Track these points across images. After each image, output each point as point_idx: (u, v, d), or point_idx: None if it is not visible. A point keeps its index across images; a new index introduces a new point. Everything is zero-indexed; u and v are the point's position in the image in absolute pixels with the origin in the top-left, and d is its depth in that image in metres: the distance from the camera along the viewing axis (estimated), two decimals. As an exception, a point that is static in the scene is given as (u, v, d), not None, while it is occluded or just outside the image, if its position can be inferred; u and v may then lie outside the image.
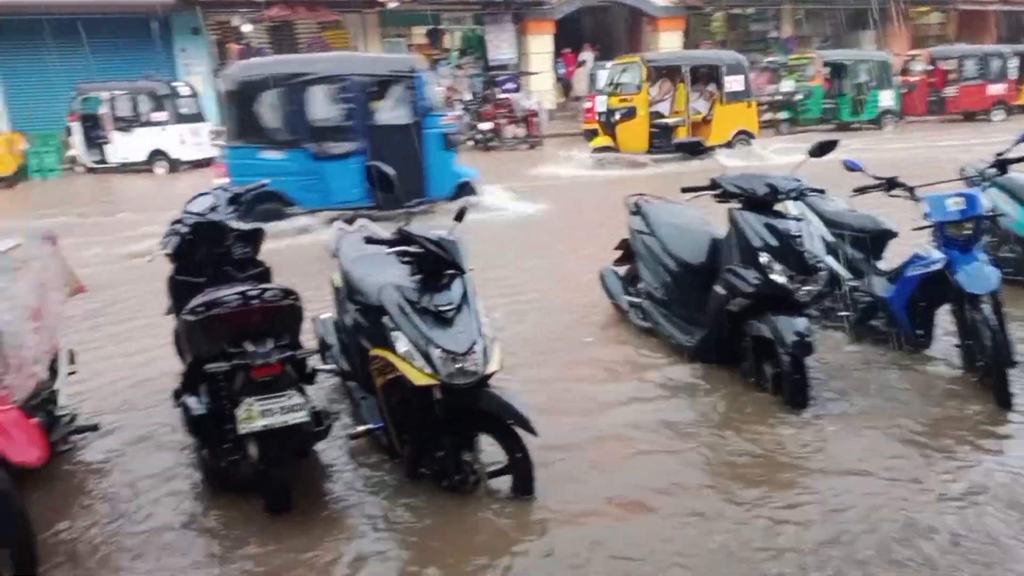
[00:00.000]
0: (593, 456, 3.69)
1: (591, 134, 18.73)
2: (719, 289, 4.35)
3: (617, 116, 14.14)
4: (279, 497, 3.25)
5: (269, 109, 9.16)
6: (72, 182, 15.67)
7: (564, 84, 23.93)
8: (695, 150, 4.54)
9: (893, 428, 3.80)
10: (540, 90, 20.12)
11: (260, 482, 3.25)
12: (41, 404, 3.68)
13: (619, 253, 5.72)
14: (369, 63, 10.85)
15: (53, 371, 3.89)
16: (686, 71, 14.28)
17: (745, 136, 14.39)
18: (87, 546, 3.11)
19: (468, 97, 19.69)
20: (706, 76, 14.68)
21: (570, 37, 23.38)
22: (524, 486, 3.29)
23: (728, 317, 4.34)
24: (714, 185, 4.41)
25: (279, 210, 8.66)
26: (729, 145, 13.87)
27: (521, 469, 3.28)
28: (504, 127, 17.73)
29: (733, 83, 14.24)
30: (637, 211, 5.33)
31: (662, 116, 14.57)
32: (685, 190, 4.53)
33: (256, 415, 3.07)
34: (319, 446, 3.69)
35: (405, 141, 9.17)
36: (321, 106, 9.26)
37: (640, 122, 13.83)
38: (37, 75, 18.62)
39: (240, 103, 9.21)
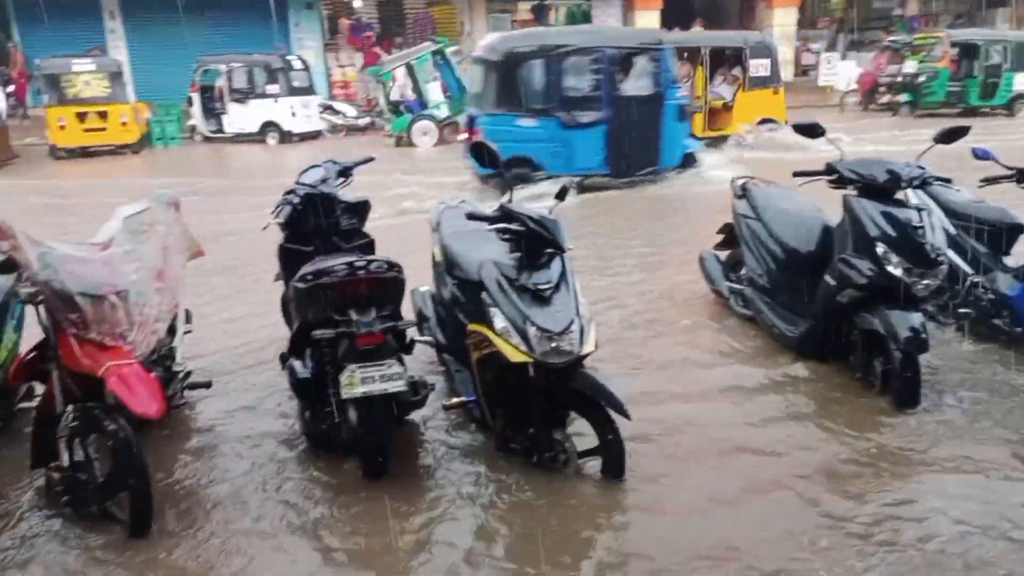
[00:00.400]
0: (686, 444, 3.62)
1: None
2: (829, 279, 4.16)
3: None
4: (375, 462, 3.35)
5: (528, 79, 9.66)
6: (191, 150, 16.51)
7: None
8: (813, 133, 4.33)
9: (1007, 432, 3.57)
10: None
11: (358, 446, 3.36)
12: (160, 360, 3.92)
13: (720, 237, 5.58)
14: (621, 36, 11.27)
15: (172, 330, 4.13)
16: (705, 53, 13.18)
17: (772, 123, 13.23)
18: (196, 495, 3.31)
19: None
20: (732, 59, 13.61)
21: (679, 14, 22.74)
22: (614, 469, 3.27)
23: (837, 309, 4.16)
24: (829, 170, 4.21)
25: (528, 174, 9.13)
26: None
27: (612, 451, 3.26)
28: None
29: (758, 67, 13.20)
30: (743, 194, 5.15)
31: None
32: (797, 174, 4.34)
33: (357, 381, 3.16)
34: (414, 415, 3.79)
35: (646, 111, 9.69)
36: (573, 77, 9.70)
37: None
38: (162, 47, 19.72)
39: (502, 73, 9.64)
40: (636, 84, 9.85)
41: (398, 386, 3.23)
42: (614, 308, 5.45)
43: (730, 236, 5.45)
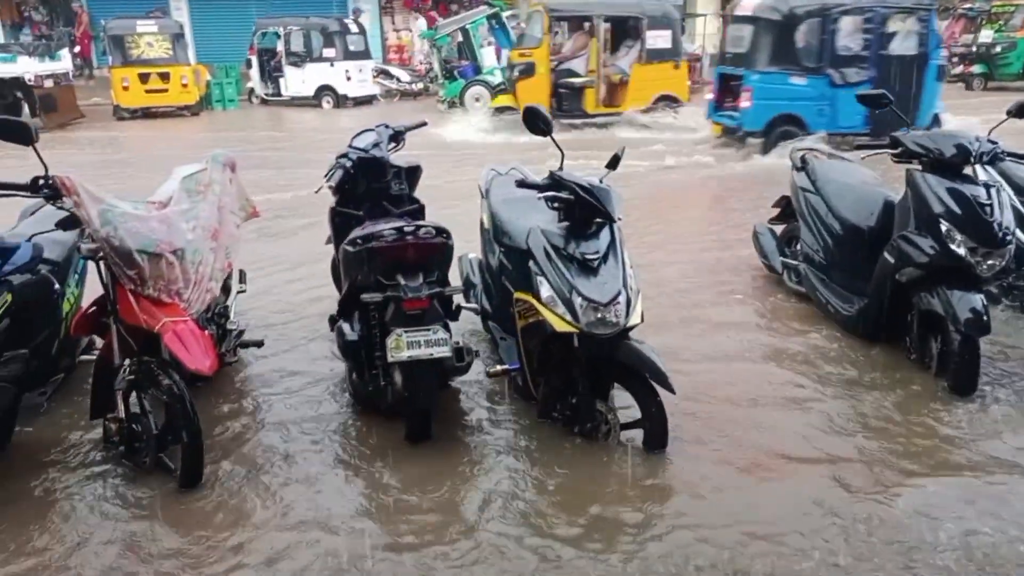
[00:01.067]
0: (732, 418, 3.57)
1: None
2: (888, 256, 4.02)
3: (516, 73, 12.55)
4: (419, 426, 3.39)
5: (804, 37, 9.84)
6: (248, 113, 16.77)
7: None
8: (878, 103, 4.16)
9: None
10: (705, 33, 19.17)
11: (402, 409, 3.41)
12: (214, 318, 4.02)
13: (776, 211, 5.45)
14: None
15: (226, 288, 4.23)
16: (598, 22, 12.44)
17: (671, 102, 12.66)
18: (244, 450, 3.40)
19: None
20: (635, 30, 12.78)
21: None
22: (656, 441, 3.25)
23: (895, 288, 4.03)
24: (894, 143, 4.05)
25: (794, 131, 9.56)
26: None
27: (655, 424, 3.24)
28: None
29: (657, 39, 12.49)
30: (803, 166, 5.00)
31: (577, 75, 12.79)
32: (859, 147, 4.19)
33: (403, 345, 3.20)
34: (458, 381, 3.82)
35: (910, 71, 9.96)
36: (846, 36, 9.92)
37: (540, 80, 11.99)
38: (222, 10, 19.98)
39: (779, 31, 9.83)
40: (903, 44, 9.98)
41: (443, 351, 3.25)
42: (667, 268, 5.39)
43: (786, 210, 5.32)
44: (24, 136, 2.95)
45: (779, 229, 5.45)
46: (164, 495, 3.05)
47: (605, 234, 3.30)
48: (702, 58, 17.36)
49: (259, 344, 4.26)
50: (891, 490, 3.01)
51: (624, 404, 3.39)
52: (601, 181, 3.31)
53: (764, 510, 2.91)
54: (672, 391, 3.11)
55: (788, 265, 5.09)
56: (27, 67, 13.54)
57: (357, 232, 3.48)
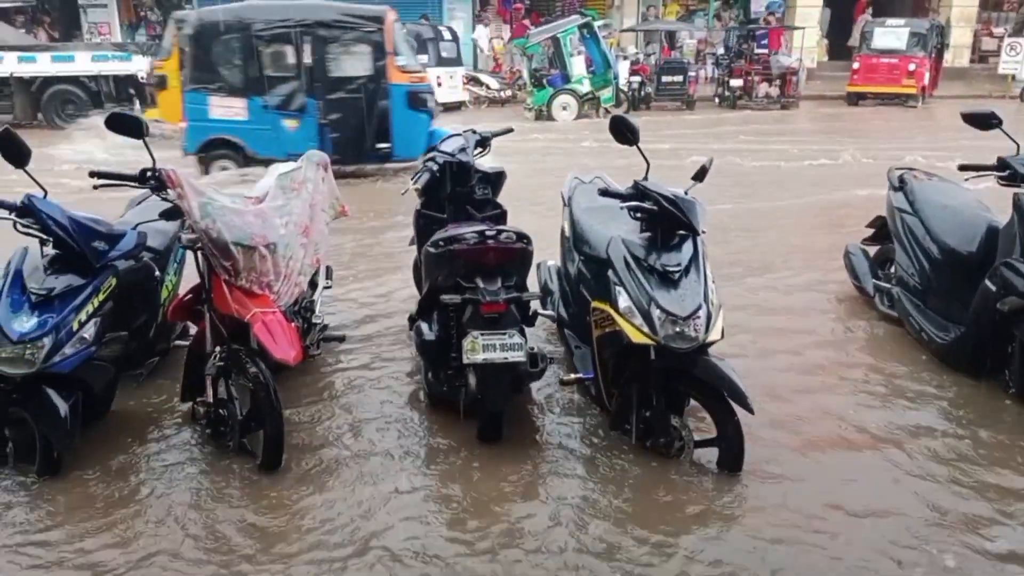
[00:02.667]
0: (809, 449, 3.42)
1: (854, 96, 17.20)
2: (990, 284, 3.81)
3: (155, 84, 11.20)
4: (491, 427, 3.42)
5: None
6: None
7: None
8: (986, 124, 3.94)
9: None
10: (803, 47, 18.64)
11: (475, 410, 3.44)
12: (300, 311, 4.17)
13: (870, 231, 5.24)
14: None
15: (313, 284, 4.38)
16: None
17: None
18: (322, 440, 3.50)
19: (720, 51, 18.81)
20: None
21: (844, -5, 21.30)
22: (732, 462, 3.17)
23: (995, 317, 3.81)
24: (1001, 165, 3.84)
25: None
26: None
27: (731, 444, 3.16)
28: (756, 85, 16.74)
29: None
30: (900, 186, 4.80)
31: None
32: (963, 167, 3.99)
33: (479, 348, 3.23)
34: (532, 387, 3.83)
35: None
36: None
37: (173, 93, 10.34)
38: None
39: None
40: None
41: (518, 356, 3.27)
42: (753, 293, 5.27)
43: (881, 230, 5.11)
44: (136, 130, 3.14)
45: (872, 250, 5.25)
46: (244, 477, 3.17)
47: (688, 247, 3.25)
48: (798, 72, 16.91)
49: (341, 339, 4.38)
50: (983, 530, 2.84)
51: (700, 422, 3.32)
52: (686, 193, 3.27)
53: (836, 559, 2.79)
54: (751, 411, 3.04)
55: (880, 288, 4.89)
56: (140, 65, 14.34)
57: (440, 234, 3.55)
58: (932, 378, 4.07)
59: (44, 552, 2.74)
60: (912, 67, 16.36)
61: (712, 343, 3.11)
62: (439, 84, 16.98)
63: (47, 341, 2.99)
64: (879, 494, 3.08)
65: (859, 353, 4.43)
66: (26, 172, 3.17)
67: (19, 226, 3.18)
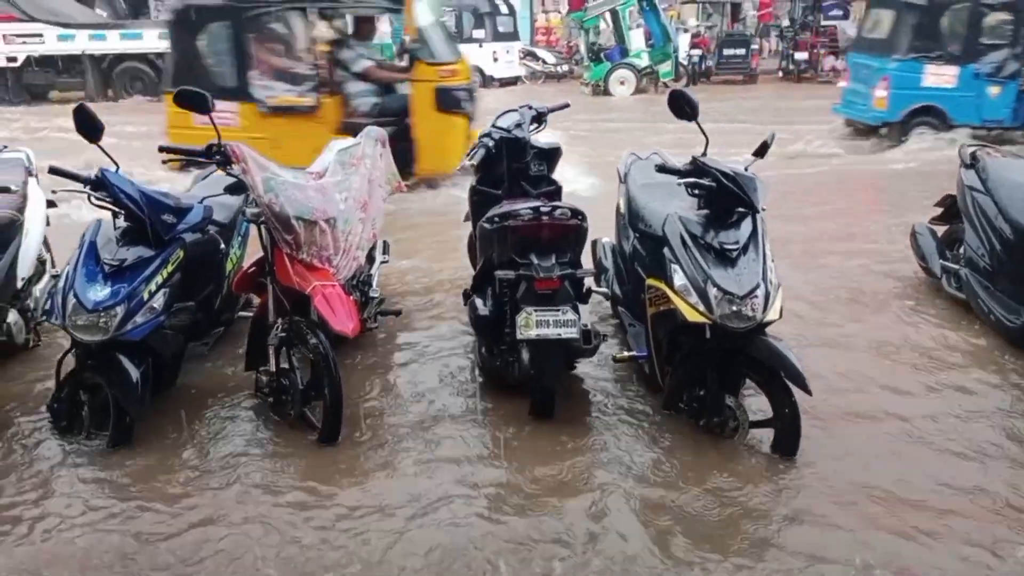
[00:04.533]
0: (870, 435, 3.34)
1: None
2: (1066, 267, 3.65)
3: None
4: (543, 403, 3.44)
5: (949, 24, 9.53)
6: (400, 91, 17.35)
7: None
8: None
9: None
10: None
11: (528, 385, 3.47)
12: (358, 285, 4.25)
13: (938, 211, 5.06)
14: None
15: (371, 258, 4.45)
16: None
17: None
18: (379, 411, 3.59)
19: (785, 23, 18.26)
20: None
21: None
22: (787, 446, 3.12)
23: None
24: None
25: (933, 123, 9.33)
26: None
27: (786, 426, 3.11)
28: (822, 57, 16.21)
29: None
30: (972, 164, 4.61)
31: None
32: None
33: (532, 324, 3.25)
34: (585, 363, 3.84)
35: None
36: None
37: None
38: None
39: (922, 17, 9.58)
40: None
41: (571, 332, 3.28)
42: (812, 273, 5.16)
43: (950, 210, 4.93)
44: (202, 105, 3.23)
45: (940, 231, 5.07)
46: (304, 447, 3.28)
47: (747, 224, 3.20)
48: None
49: (397, 313, 4.46)
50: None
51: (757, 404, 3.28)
52: (746, 169, 3.21)
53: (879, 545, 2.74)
54: (808, 392, 2.99)
55: (948, 269, 4.73)
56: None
57: (495, 210, 3.56)
58: (1003, 361, 3.93)
59: (109, 513, 2.88)
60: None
61: (770, 323, 3.07)
62: (495, 59, 16.97)
63: (120, 310, 3.12)
64: (965, 476, 3.00)
65: (926, 335, 4.30)
66: (99, 147, 3.29)
67: (93, 199, 3.31)
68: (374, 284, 4.45)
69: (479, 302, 3.66)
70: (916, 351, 4.11)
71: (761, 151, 3.38)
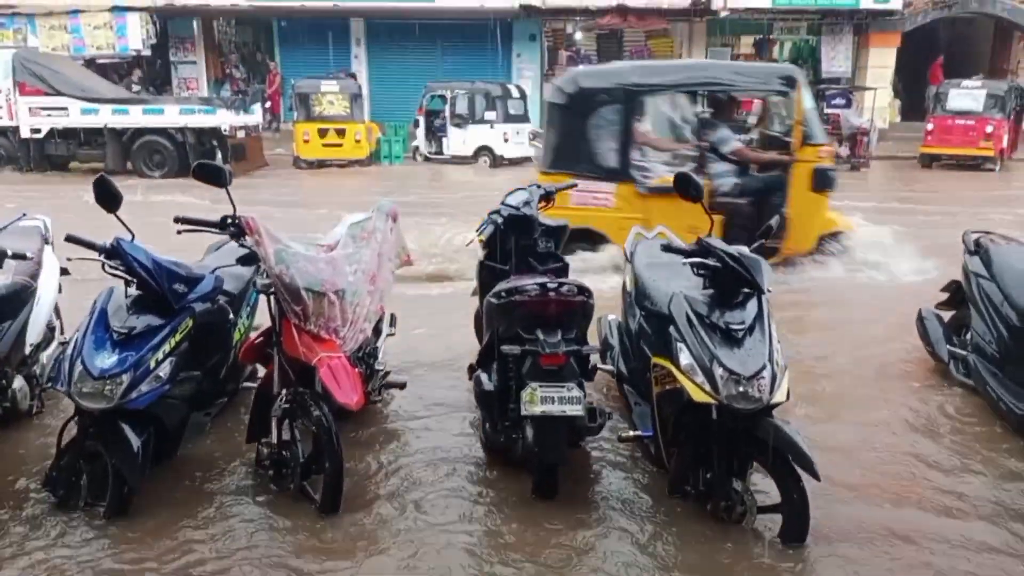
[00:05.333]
0: (885, 530, 3.25)
1: (927, 158, 16.84)
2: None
3: None
4: (546, 481, 3.39)
5: None
6: (412, 169, 17.75)
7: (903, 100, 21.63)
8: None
9: None
10: (875, 107, 18.42)
11: (531, 463, 3.43)
12: (364, 358, 4.25)
13: (944, 296, 5.08)
14: None
15: (377, 330, 4.46)
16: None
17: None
18: (378, 485, 3.53)
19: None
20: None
21: (920, 52, 21.02)
22: (796, 532, 3.06)
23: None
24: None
25: None
26: None
27: (795, 512, 3.05)
28: (825, 145, 16.55)
29: None
30: (976, 250, 4.65)
31: None
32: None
33: (537, 400, 3.23)
34: (589, 442, 3.79)
35: None
36: None
37: None
38: (398, 73, 21.50)
39: None
40: None
41: (576, 410, 3.25)
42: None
43: (956, 295, 4.95)
44: (220, 179, 3.31)
45: (947, 316, 5.07)
46: (303, 521, 3.22)
47: (752, 305, 3.21)
48: (869, 132, 16.65)
49: (402, 386, 4.43)
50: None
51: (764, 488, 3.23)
52: (752, 250, 3.25)
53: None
54: (817, 478, 2.95)
55: (956, 355, 4.71)
56: (224, 119, 15.12)
57: (502, 285, 3.60)
58: (1012, 450, 3.87)
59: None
60: (990, 129, 15.97)
61: (777, 405, 3.04)
62: (505, 140, 17.39)
63: (125, 378, 3.12)
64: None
65: (933, 423, 4.25)
66: (117, 217, 3.36)
67: (107, 267, 3.35)
68: (380, 356, 4.45)
69: (484, 377, 3.65)
70: (921, 437, 4.04)
71: (766, 233, 3.43)
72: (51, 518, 3.21)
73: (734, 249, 3.21)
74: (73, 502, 3.26)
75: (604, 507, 3.37)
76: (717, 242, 3.27)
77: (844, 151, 16.43)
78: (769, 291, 3.21)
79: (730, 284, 3.23)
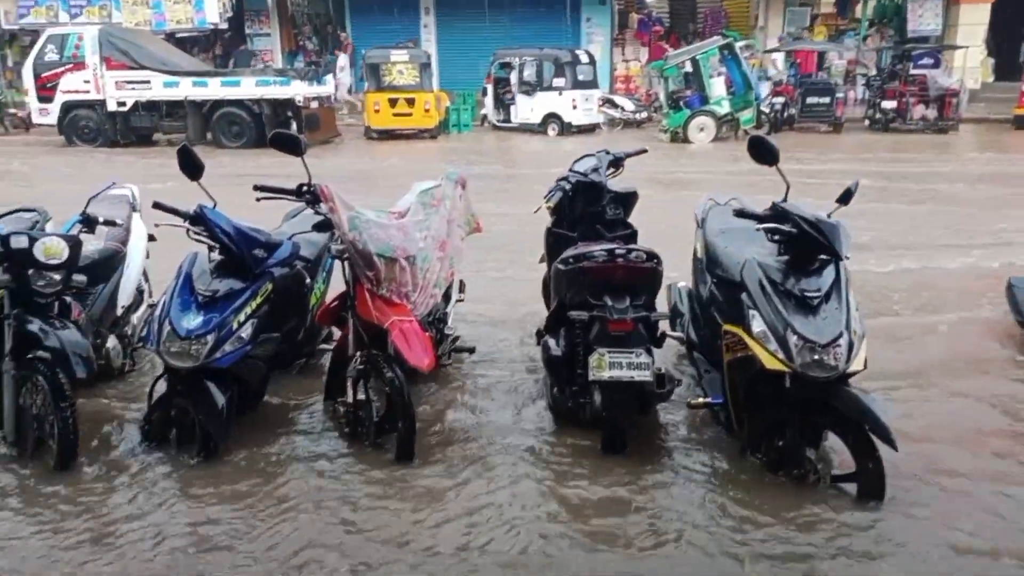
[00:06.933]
0: (966, 489, 3.18)
1: (1022, 120, 15.91)
2: None
3: None
4: (614, 441, 3.42)
5: None
6: (480, 137, 17.76)
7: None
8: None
9: None
10: (965, 67, 17.41)
11: (600, 425, 3.45)
12: (434, 322, 4.33)
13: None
14: None
15: (447, 296, 4.54)
16: None
17: None
18: (451, 441, 3.62)
19: (873, 72, 17.89)
20: None
21: (1014, 6, 19.69)
22: (871, 499, 2.99)
23: None
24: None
25: None
26: None
27: (870, 481, 3.00)
28: (912, 106, 15.77)
29: None
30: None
31: None
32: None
33: (605, 365, 3.24)
34: (659, 408, 3.78)
35: None
36: None
37: None
38: (465, 41, 21.46)
39: None
40: None
41: (644, 375, 3.25)
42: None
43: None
44: (295, 148, 3.39)
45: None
46: (379, 470, 3.34)
47: (829, 271, 3.13)
48: (959, 93, 15.76)
49: (471, 350, 4.51)
50: None
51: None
52: (829, 216, 3.15)
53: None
54: (895, 447, 2.87)
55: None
56: (298, 90, 15.40)
57: (570, 252, 3.60)
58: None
59: (185, 526, 2.99)
60: (1096, 86, 14.92)
61: (854, 373, 2.97)
62: (574, 106, 17.19)
63: (210, 338, 3.27)
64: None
65: (1021, 392, 4.07)
66: (200, 185, 3.49)
67: (191, 233, 3.50)
68: (450, 321, 4.52)
69: (552, 342, 3.67)
70: (1008, 406, 3.88)
71: (845, 198, 3.32)
72: (146, 459, 3.45)
73: (811, 214, 3.12)
74: (164, 451, 3.46)
75: (671, 470, 3.36)
76: (793, 207, 3.18)
77: (931, 113, 15.65)
78: (847, 257, 3.11)
79: (806, 250, 3.15)
